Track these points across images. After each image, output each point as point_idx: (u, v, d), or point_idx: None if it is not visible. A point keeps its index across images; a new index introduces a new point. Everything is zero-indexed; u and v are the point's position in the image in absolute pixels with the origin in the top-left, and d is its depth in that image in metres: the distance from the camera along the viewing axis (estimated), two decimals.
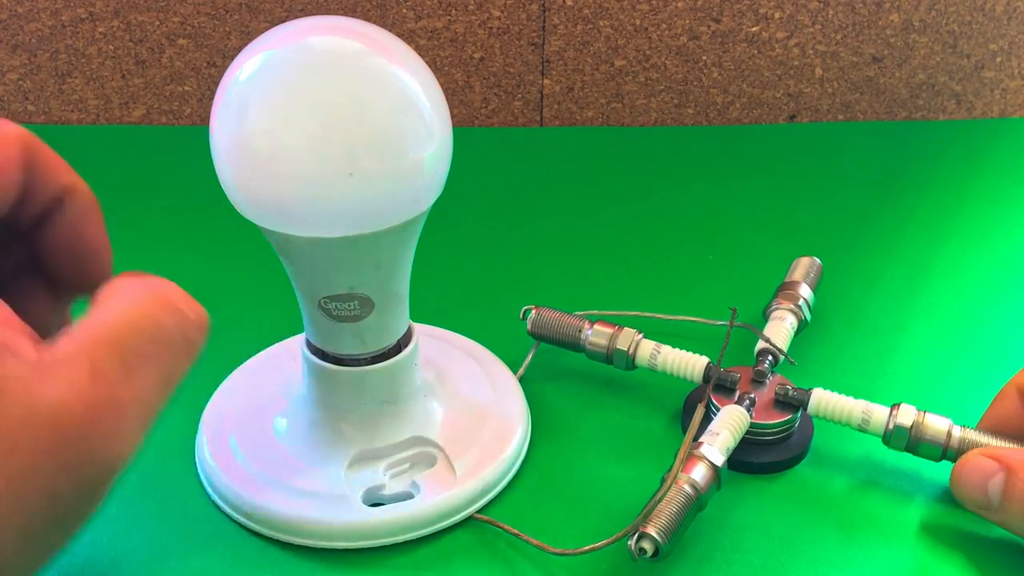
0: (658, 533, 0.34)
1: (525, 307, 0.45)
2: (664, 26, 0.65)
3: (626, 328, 0.43)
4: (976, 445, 0.37)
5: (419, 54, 0.35)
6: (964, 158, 0.65)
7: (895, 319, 0.49)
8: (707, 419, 0.40)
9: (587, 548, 0.35)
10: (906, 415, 0.38)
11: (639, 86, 0.67)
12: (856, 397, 0.39)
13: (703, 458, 0.36)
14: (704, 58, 0.66)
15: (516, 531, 0.37)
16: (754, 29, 0.65)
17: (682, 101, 0.68)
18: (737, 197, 0.60)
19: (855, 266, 0.53)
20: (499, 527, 0.37)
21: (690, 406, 0.43)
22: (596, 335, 0.43)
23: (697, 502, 0.35)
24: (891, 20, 0.66)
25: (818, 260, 0.48)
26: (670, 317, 0.47)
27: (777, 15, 0.65)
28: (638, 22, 0.65)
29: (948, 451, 0.38)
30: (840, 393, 0.40)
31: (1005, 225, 0.58)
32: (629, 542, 0.34)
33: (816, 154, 0.65)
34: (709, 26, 0.65)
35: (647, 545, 0.34)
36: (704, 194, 0.60)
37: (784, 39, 0.66)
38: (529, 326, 0.45)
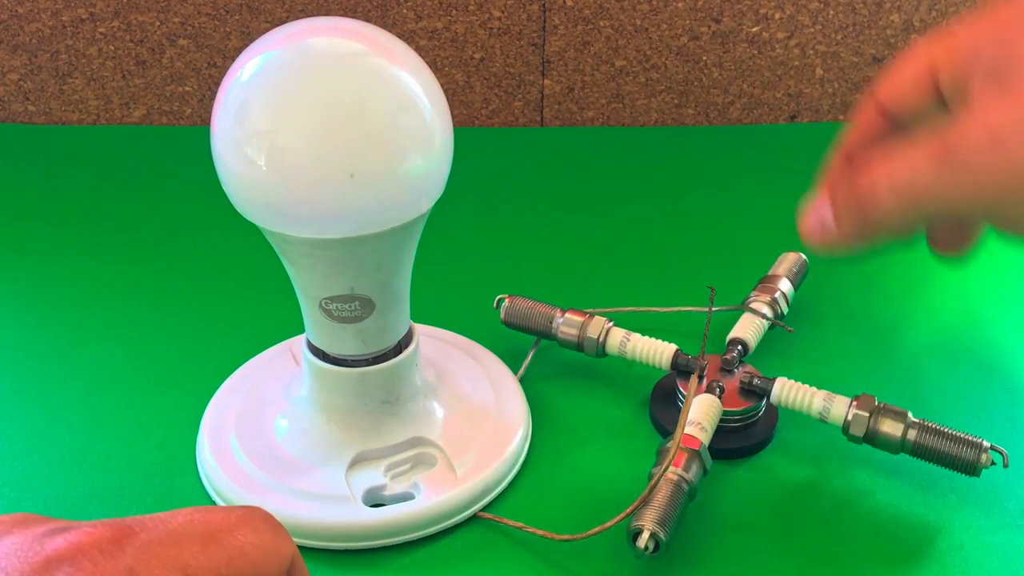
0: (659, 528, 0.34)
1: (499, 296, 0.45)
2: (664, 26, 0.65)
3: (596, 316, 0.43)
4: (935, 438, 0.37)
5: (419, 55, 0.35)
6: None
7: (895, 319, 0.49)
8: (677, 407, 0.41)
9: (591, 532, 0.35)
10: (864, 406, 0.38)
11: (639, 86, 0.67)
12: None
13: (688, 450, 0.37)
14: (704, 58, 0.66)
15: (518, 524, 0.37)
16: (754, 29, 0.65)
17: (682, 101, 0.68)
18: (737, 197, 0.60)
19: (855, 266, 0.53)
20: (500, 522, 0.37)
21: (659, 395, 0.43)
22: (567, 324, 0.44)
23: (688, 492, 0.36)
24: (891, 20, 0.66)
25: (804, 256, 0.49)
26: (662, 309, 0.47)
27: (777, 15, 0.65)
28: (638, 22, 0.65)
29: (906, 443, 0.38)
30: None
31: None
32: (637, 543, 0.34)
33: (816, 154, 0.65)
34: (709, 26, 0.65)
35: (649, 542, 0.34)
36: (704, 194, 0.60)
37: (784, 39, 0.66)
38: (503, 315, 0.45)
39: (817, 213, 0.37)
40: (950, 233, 0.38)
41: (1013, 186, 0.31)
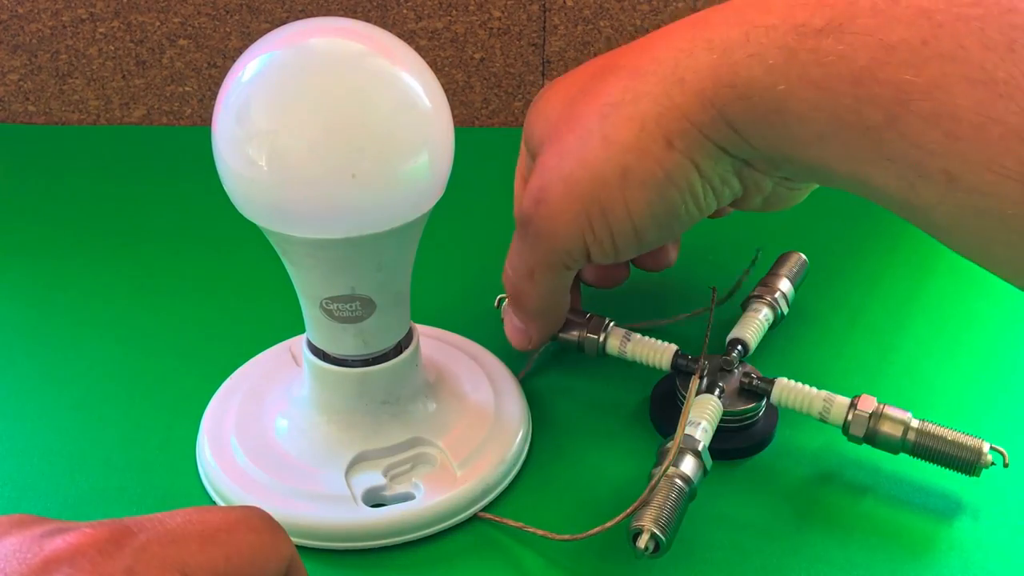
0: (659, 529, 0.34)
1: (500, 296, 0.45)
2: None
3: (596, 316, 0.44)
4: (934, 438, 0.38)
5: (420, 55, 0.35)
6: None
7: (895, 319, 0.49)
8: (677, 407, 0.41)
9: (592, 531, 0.35)
10: (865, 406, 0.39)
11: None
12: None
13: (688, 450, 0.37)
14: None
15: (519, 524, 0.37)
16: None
17: None
18: None
19: (854, 266, 0.53)
20: (500, 521, 0.37)
21: (659, 395, 0.43)
22: (567, 324, 0.44)
23: (688, 493, 0.36)
24: None
25: (803, 256, 0.49)
26: (662, 322, 0.47)
27: None
28: (638, 22, 0.65)
29: (906, 443, 0.38)
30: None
31: None
32: (637, 543, 0.34)
33: None
34: None
35: (649, 542, 0.34)
36: None
37: None
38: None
39: (510, 322, 0.43)
40: (644, 259, 0.45)
41: (576, 223, 0.37)
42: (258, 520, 0.26)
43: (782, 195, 0.38)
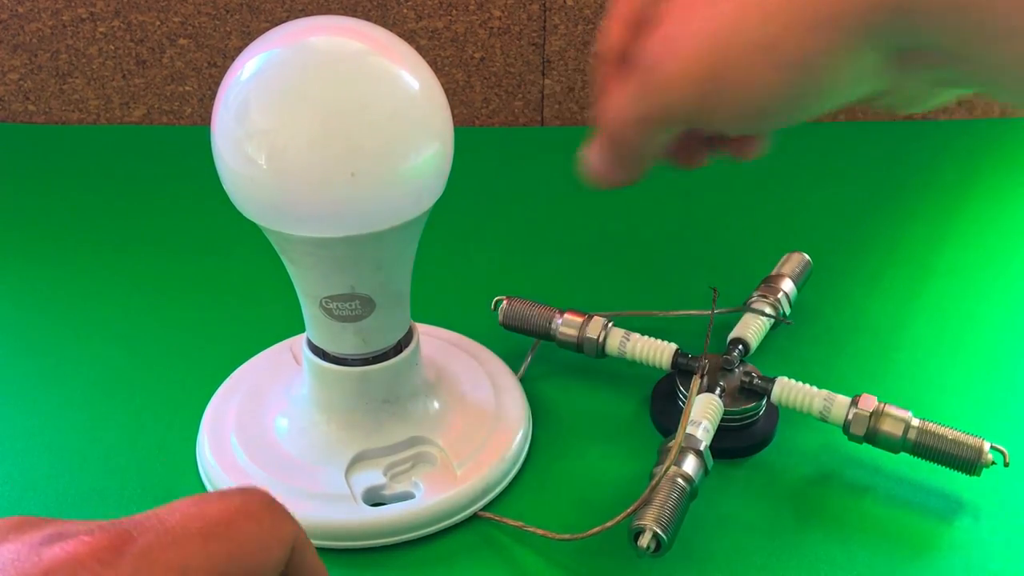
0: (661, 528, 0.34)
1: (496, 298, 0.45)
2: None
3: (596, 317, 0.43)
4: (935, 437, 0.38)
5: (420, 54, 0.35)
6: (964, 158, 0.65)
7: (895, 319, 0.49)
8: (677, 407, 0.41)
9: (592, 531, 0.35)
10: (866, 405, 0.39)
11: None
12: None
13: (690, 449, 0.37)
14: None
15: (519, 523, 0.37)
16: None
17: None
18: (737, 197, 0.60)
19: (855, 266, 0.53)
20: (500, 521, 0.37)
21: (659, 394, 0.43)
22: (566, 324, 0.44)
23: (690, 492, 0.36)
24: None
25: (807, 256, 0.49)
26: (663, 313, 0.47)
27: None
28: None
29: (906, 442, 0.38)
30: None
31: (1005, 225, 0.58)
32: (638, 542, 0.34)
33: (816, 154, 0.65)
34: None
35: (651, 541, 0.34)
36: (705, 194, 0.60)
37: None
38: (500, 317, 0.45)
39: (593, 153, 0.39)
40: (684, 150, 0.40)
41: (700, 86, 0.33)
42: (258, 506, 0.26)
43: (918, 97, 0.34)
